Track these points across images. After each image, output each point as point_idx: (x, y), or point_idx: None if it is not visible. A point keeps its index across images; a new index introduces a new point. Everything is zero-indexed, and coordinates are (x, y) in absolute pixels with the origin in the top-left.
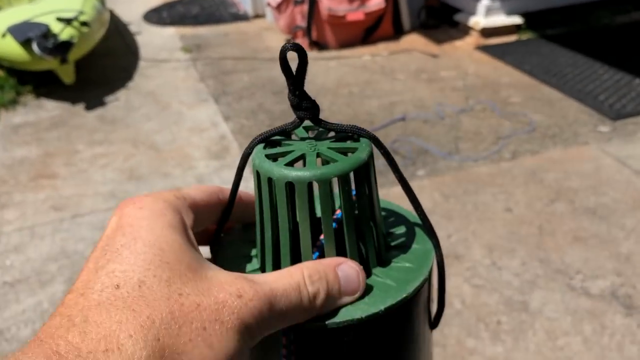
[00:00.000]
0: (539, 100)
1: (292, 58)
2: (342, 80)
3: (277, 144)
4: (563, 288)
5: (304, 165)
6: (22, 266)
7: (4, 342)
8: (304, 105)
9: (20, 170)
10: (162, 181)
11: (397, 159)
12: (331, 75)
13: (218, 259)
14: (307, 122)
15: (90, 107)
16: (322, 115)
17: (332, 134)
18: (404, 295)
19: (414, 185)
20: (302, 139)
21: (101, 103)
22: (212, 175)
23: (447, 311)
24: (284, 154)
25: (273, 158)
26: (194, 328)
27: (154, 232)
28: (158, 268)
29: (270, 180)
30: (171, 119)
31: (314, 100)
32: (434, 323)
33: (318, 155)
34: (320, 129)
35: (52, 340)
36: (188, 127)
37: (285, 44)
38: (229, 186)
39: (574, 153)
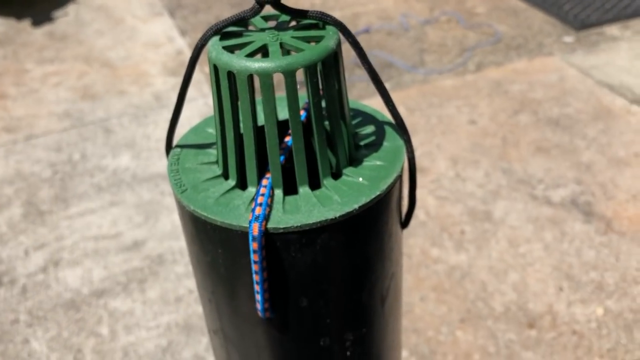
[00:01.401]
0: (504, 10)
1: None
2: None
3: (235, 35)
4: (525, 197)
5: (264, 56)
6: None
7: None
8: None
9: None
10: (118, 99)
11: (361, 73)
12: None
13: (179, 171)
14: (266, 11)
15: (37, 22)
16: None
17: (293, 23)
18: (378, 193)
19: (379, 99)
20: (262, 29)
21: (49, 18)
22: (170, 93)
23: (411, 222)
24: (242, 45)
25: (231, 50)
26: None
27: None
28: None
29: (230, 74)
30: (125, 34)
31: None
32: (404, 222)
33: (281, 45)
34: (281, 20)
35: None
36: (143, 43)
37: None
38: (188, 103)
39: (538, 64)
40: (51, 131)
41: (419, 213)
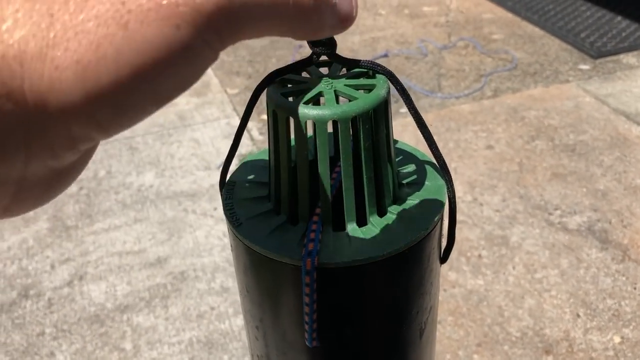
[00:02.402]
0: (521, 37)
1: None
2: None
3: (290, 81)
4: (542, 223)
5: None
6: None
7: None
8: (322, 40)
9: None
10: None
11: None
12: None
13: (233, 201)
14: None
15: None
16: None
17: (343, 70)
18: (422, 232)
19: (397, 122)
20: (316, 76)
21: None
22: (194, 112)
23: None
24: (299, 92)
25: (288, 96)
26: (105, 3)
27: None
28: None
29: (287, 119)
30: None
31: (332, 36)
32: (443, 258)
33: (336, 92)
34: (333, 67)
35: None
36: None
37: None
38: (211, 123)
39: (554, 91)
40: None
41: None
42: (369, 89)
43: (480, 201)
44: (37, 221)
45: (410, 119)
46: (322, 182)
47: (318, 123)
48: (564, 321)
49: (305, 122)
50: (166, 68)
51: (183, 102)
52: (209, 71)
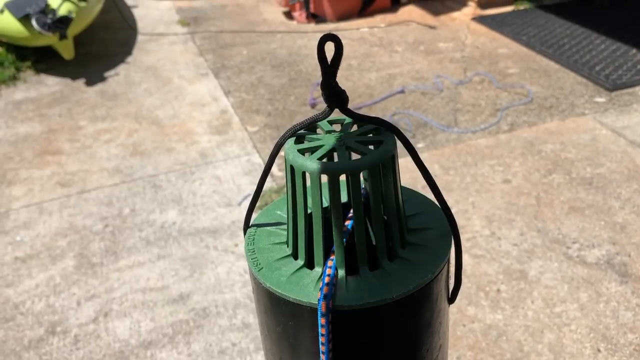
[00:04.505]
0: (536, 71)
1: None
2: None
3: (306, 137)
4: (560, 257)
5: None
6: (32, 242)
7: (19, 316)
8: (335, 94)
9: (25, 147)
10: (166, 156)
11: (403, 126)
12: (329, 48)
13: (254, 247)
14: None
15: (90, 82)
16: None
17: (355, 126)
18: (430, 275)
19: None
20: (328, 131)
21: (101, 78)
22: (215, 150)
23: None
24: (314, 149)
25: (304, 152)
26: None
27: None
28: None
29: (304, 173)
30: (172, 94)
31: (344, 90)
32: (451, 298)
33: (347, 148)
34: (345, 122)
35: None
36: (189, 102)
37: (325, 34)
38: (232, 160)
39: (570, 124)
40: (103, 186)
41: None
42: (377, 144)
43: (498, 235)
44: (64, 258)
45: (426, 155)
46: (335, 230)
47: (330, 177)
48: (585, 356)
49: (320, 176)
50: None
51: (205, 140)
52: (230, 109)
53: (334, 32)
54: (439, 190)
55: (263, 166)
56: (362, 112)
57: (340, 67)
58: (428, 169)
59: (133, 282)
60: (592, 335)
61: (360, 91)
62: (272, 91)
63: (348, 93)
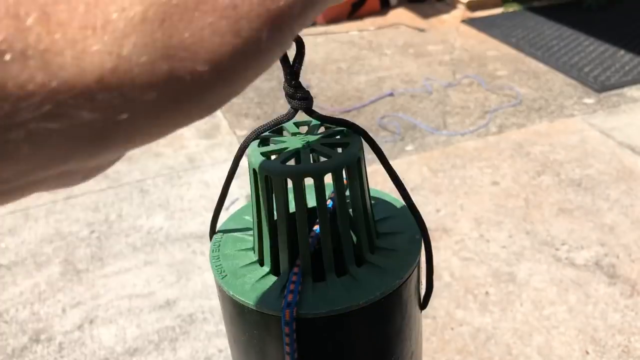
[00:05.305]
0: (525, 73)
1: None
2: (330, 56)
3: (270, 140)
4: (549, 259)
5: (296, 159)
6: (17, 248)
7: (3, 324)
8: (298, 95)
9: None
10: (154, 161)
11: (386, 135)
12: (319, 51)
13: (219, 254)
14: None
15: None
16: (311, 92)
17: (321, 128)
18: (398, 281)
19: (403, 160)
20: (293, 134)
21: None
22: (203, 154)
23: (436, 284)
24: (278, 151)
25: (268, 155)
26: (209, 20)
27: None
28: None
29: (267, 177)
30: None
31: (308, 92)
32: (423, 304)
33: (312, 150)
34: (312, 124)
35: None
36: None
37: None
38: (220, 165)
39: (559, 126)
40: (89, 191)
41: (443, 274)
42: (344, 146)
43: (487, 237)
44: (49, 265)
45: (415, 157)
46: (300, 236)
47: (294, 180)
48: (573, 358)
49: (284, 180)
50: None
51: (193, 144)
52: (219, 113)
53: (324, 35)
54: (407, 191)
55: None
56: (351, 115)
57: (329, 70)
58: (417, 171)
59: (119, 289)
60: (581, 337)
61: (349, 94)
62: (261, 94)
63: (337, 96)
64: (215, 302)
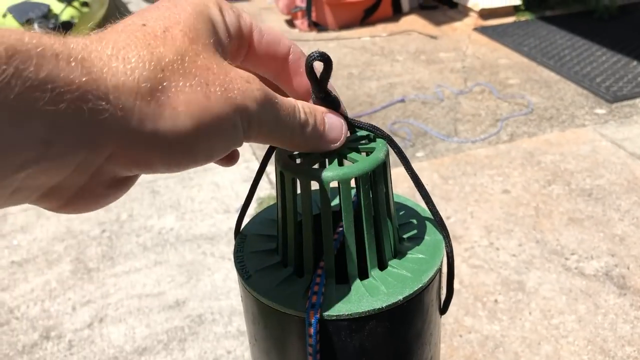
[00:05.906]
0: (537, 82)
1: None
2: (342, 62)
3: None
4: (558, 268)
5: (321, 163)
6: (29, 246)
7: (14, 320)
8: (328, 101)
9: None
10: None
11: (397, 141)
12: (331, 56)
13: (243, 254)
14: None
15: None
16: None
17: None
18: (420, 285)
19: (413, 167)
20: None
21: None
22: None
23: None
24: (306, 155)
25: (294, 158)
26: (198, 80)
27: (195, 8)
28: (187, 28)
29: (293, 179)
30: None
31: (336, 96)
32: (443, 309)
33: (339, 155)
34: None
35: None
36: None
37: (312, 52)
38: (231, 167)
39: (570, 135)
40: None
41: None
42: (369, 152)
43: (497, 245)
44: (60, 263)
45: (426, 164)
46: (325, 239)
47: (321, 184)
48: None
49: (310, 183)
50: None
51: None
52: None
53: (336, 40)
54: (431, 198)
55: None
56: (362, 120)
57: (341, 76)
58: (427, 178)
59: (129, 288)
60: (590, 348)
61: (360, 100)
62: None
63: (348, 101)
64: (224, 303)
